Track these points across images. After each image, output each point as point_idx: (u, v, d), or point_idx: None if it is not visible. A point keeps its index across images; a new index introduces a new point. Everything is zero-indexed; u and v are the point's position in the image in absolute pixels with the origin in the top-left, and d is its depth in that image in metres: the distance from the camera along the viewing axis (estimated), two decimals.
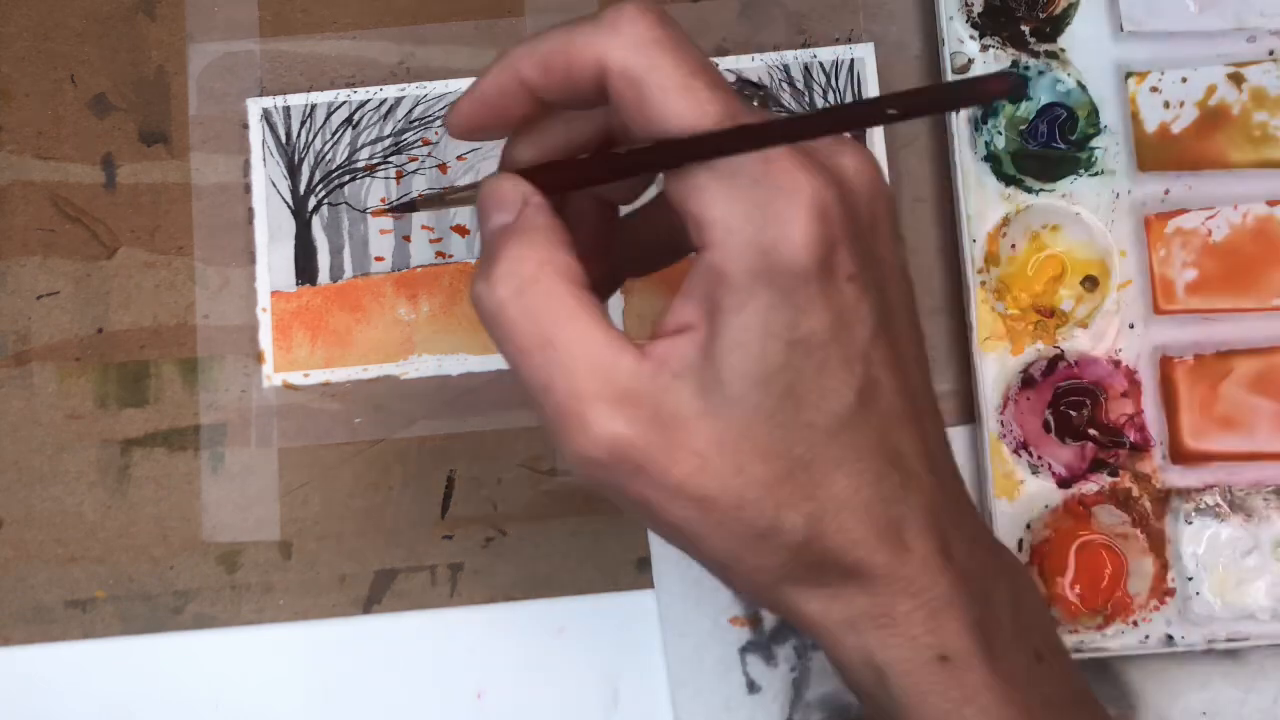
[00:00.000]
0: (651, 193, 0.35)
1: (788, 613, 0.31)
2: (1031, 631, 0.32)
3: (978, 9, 0.44)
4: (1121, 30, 0.44)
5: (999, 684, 0.30)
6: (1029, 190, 0.43)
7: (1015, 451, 0.42)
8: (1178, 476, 0.42)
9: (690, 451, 0.28)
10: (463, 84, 0.45)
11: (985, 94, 0.27)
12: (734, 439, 0.28)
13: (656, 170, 0.30)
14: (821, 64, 0.45)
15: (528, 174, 0.31)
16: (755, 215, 0.28)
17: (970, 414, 0.43)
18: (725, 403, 0.28)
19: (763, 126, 0.28)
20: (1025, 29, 0.44)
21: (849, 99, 0.45)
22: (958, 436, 0.43)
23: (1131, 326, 0.43)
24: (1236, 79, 0.43)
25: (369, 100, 0.45)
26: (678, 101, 0.28)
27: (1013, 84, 0.25)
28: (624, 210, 0.35)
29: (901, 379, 0.30)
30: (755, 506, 0.29)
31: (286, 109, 0.45)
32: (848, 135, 0.30)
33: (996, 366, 0.43)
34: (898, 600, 0.30)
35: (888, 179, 0.42)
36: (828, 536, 0.29)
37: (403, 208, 0.36)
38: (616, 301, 0.44)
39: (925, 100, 0.26)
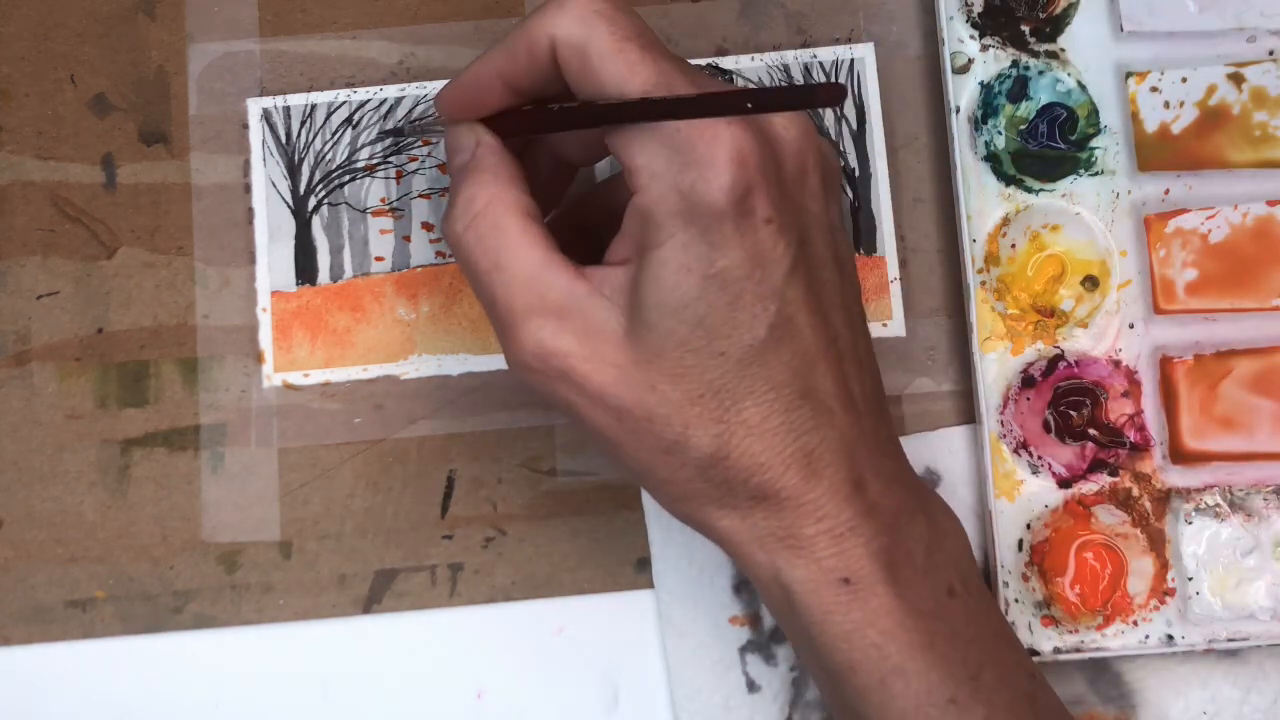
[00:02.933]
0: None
1: (701, 527, 0.34)
2: (946, 568, 0.34)
3: (978, 9, 0.44)
4: (1121, 30, 0.44)
5: (902, 610, 0.32)
6: (1029, 190, 0.43)
7: (1015, 451, 0.42)
8: (1178, 476, 0.42)
9: (610, 364, 0.32)
10: None
11: (815, 101, 0.31)
12: (649, 359, 0.32)
13: (580, 126, 0.33)
14: (821, 64, 0.45)
15: (485, 121, 0.35)
16: (676, 160, 0.31)
17: (970, 414, 0.43)
18: (644, 327, 0.32)
19: (653, 102, 0.31)
20: (1025, 29, 0.44)
21: (849, 99, 0.45)
22: (958, 436, 0.43)
23: (1131, 326, 0.43)
24: (1236, 79, 0.43)
25: (369, 100, 0.45)
26: (611, 64, 0.31)
27: (839, 94, 0.30)
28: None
29: (820, 321, 0.32)
30: (664, 421, 0.32)
31: (286, 109, 0.45)
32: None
33: (996, 366, 0.43)
34: (803, 523, 0.32)
35: (887, 179, 0.43)
36: (733, 458, 0.32)
37: (391, 133, 0.41)
38: None
39: (773, 99, 0.31)
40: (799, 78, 0.45)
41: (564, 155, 0.38)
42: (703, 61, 0.45)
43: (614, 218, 0.34)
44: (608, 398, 0.32)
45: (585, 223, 0.39)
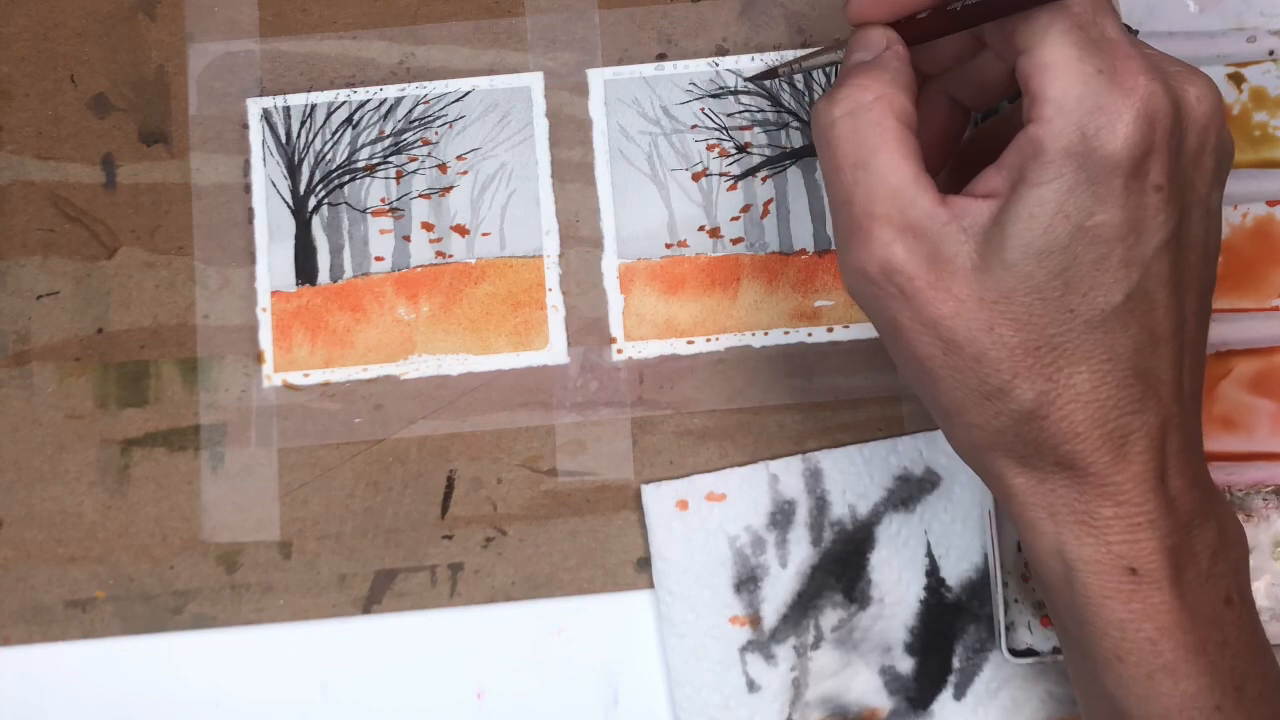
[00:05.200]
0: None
1: (994, 480, 0.33)
2: (1226, 576, 0.33)
3: None
4: None
5: (1182, 611, 0.32)
6: None
7: None
8: None
9: (953, 296, 0.31)
10: (462, 84, 0.45)
11: None
12: (995, 299, 0.31)
13: (991, 18, 0.32)
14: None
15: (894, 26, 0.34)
16: (1088, 100, 0.30)
17: None
18: (1000, 264, 0.31)
19: None
20: None
21: None
22: None
23: None
24: (1236, 79, 0.43)
25: (369, 100, 0.45)
26: None
27: None
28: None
29: (1175, 303, 0.32)
30: (993, 365, 0.31)
31: (286, 109, 0.45)
32: (1199, 69, 0.32)
33: None
34: (1102, 504, 0.32)
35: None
36: (1052, 421, 0.31)
37: (762, 76, 0.39)
38: (618, 301, 0.44)
39: None
40: (799, 78, 0.45)
41: (961, 98, 0.37)
42: (703, 61, 0.45)
43: (987, 156, 0.33)
44: (941, 329, 0.31)
45: (960, 157, 0.39)
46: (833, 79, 0.45)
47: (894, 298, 0.32)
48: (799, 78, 0.45)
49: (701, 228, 0.44)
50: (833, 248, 0.44)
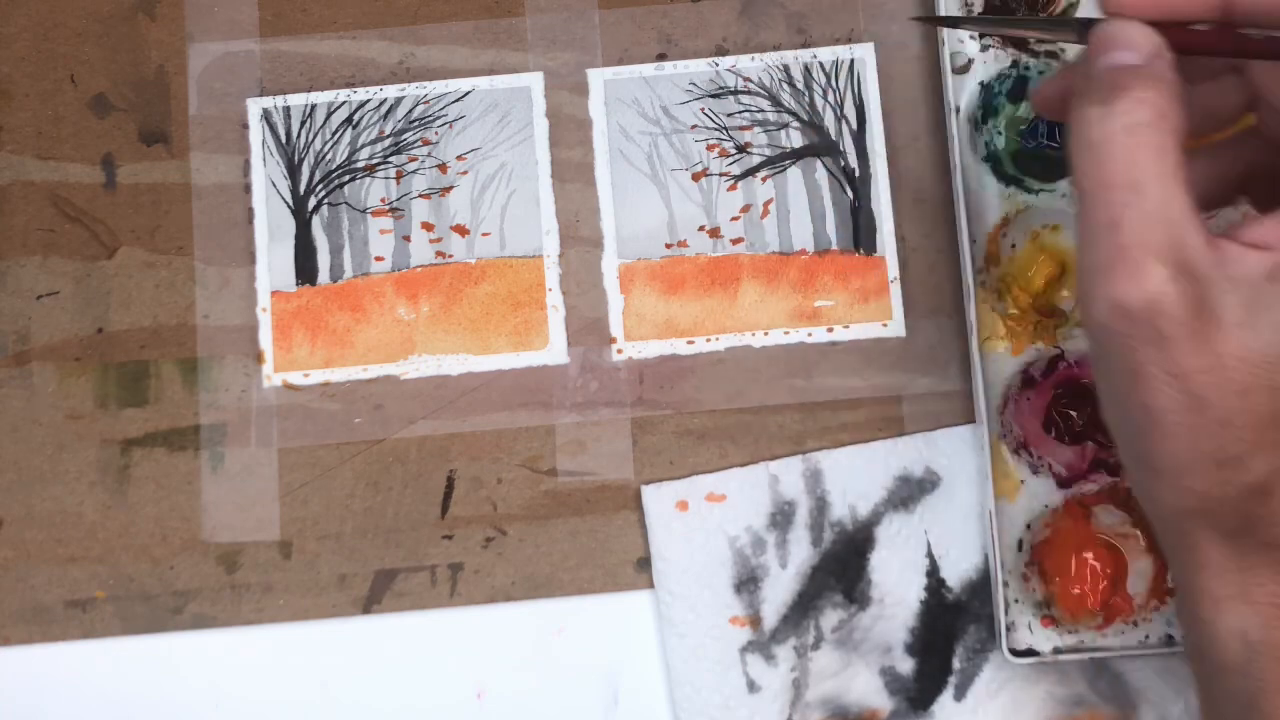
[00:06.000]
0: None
1: (1186, 549, 0.31)
2: None
3: (977, 9, 0.44)
4: None
5: None
6: (1029, 190, 0.43)
7: (1015, 451, 0.42)
8: None
9: (1212, 351, 0.28)
10: (462, 84, 0.45)
11: None
12: (1257, 362, 0.28)
13: None
14: (821, 64, 0.45)
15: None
16: None
17: (970, 414, 0.43)
18: (1270, 326, 0.28)
19: None
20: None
21: (849, 99, 0.45)
22: (958, 436, 0.43)
23: None
24: None
25: (369, 100, 0.45)
26: None
27: None
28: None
29: None
30: (1236, 433, 0.28)
31: (286, 109, 0.45)
32: None
33: (996, 366, 0.43)
34: None
35: (888, 180, 0.42)
36: (1278, 499, 0.29)
37: (939, 20, 0.37)
38: (618, 301, 0.44)
39: None
40: (799, 78, 0.45)
41: (1216, 110, 0.34)
42: (703, 61, 0.45)
43: (1245, 177, 0.31)
44: (1192, 383, 0.28)
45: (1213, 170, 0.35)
46: (847, 71, 0.45)
47: (1148, 340, 0.28)
48: (800, 75, 0.45)
49: (701, 228, 0.44)
50: (832, 247, 0.44)
